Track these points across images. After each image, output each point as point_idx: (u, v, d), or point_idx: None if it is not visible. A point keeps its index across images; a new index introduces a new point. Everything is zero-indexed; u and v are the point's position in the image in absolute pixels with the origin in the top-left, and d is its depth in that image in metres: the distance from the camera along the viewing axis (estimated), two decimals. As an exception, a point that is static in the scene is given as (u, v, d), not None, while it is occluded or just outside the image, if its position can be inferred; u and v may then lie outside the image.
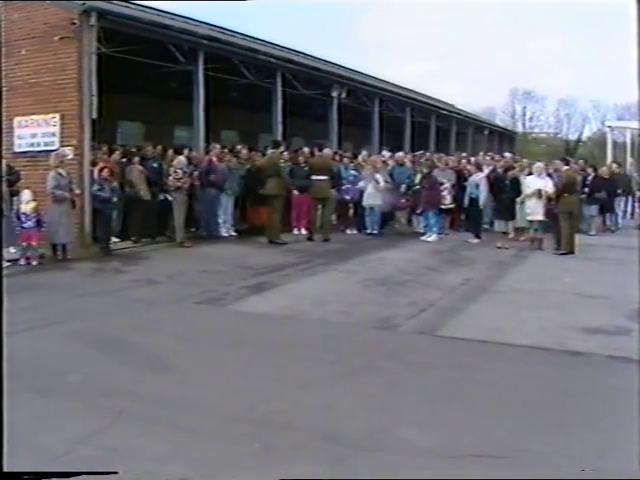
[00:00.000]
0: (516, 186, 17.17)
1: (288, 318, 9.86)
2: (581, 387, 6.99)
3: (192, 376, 7.14)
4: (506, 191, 17.29)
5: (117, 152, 17.30)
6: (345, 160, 20.85)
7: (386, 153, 22.59)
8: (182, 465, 5.05)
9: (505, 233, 17.29)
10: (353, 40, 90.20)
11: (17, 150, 16.81)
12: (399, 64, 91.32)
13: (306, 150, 20.63)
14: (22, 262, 13.66)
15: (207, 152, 18.67)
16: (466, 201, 18.67)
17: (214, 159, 18.10)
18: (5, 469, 4.67)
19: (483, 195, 18.18)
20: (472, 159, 23.46)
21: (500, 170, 18.28)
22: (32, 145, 16.69)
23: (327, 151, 20.71)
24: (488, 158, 22.42)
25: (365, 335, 9.01)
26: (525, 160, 22.47)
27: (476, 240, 18.07)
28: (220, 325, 9.49)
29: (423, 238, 18.60)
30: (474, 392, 6.75)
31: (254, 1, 39.50)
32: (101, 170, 15.54)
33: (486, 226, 18.83)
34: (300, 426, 5.80)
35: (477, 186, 18.34)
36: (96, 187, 15.43)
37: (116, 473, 4.64)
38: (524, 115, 75.97)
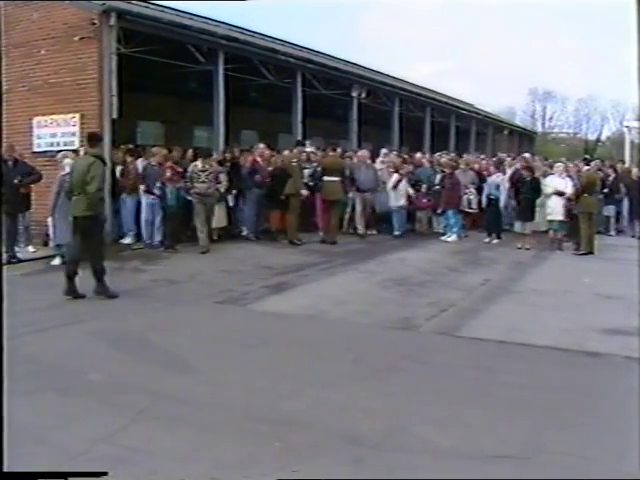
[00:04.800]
0: (536, 187, 17.11)
1: (308, 318, 9.87)
2: (600, 388, 6.97)
3: (212, 375, 7.15)
4: (526, 192, 17.22)
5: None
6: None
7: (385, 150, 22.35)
8: (202, 464, 5.06)
9: (525, 234, 17.19)
10: (357, 39, 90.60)
11: (36, 150, 16.91)
12: (407, 63, 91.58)
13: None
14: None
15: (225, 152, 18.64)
16: (484, 202, 18.61)
17: (258, 159, 17.97)
18: (5, 469, 4.68)
19: (504, 196, 18.13)
20: (494, 159, 23.37)
21: (523, 171, 18.15)
22: (52, 145, 16.77)
23: (363, 152, 20.43)
24: (509, 159, 22.24)
25: (385, 335, 9.00)
26: (540, 162, 22.33)
27: (496, 240, 18.02)
28: (240, 325, 9.49)
29: (443, 238, 18.56)
30: (494, 392, 6.73)
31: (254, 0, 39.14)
32: (165, 170, 15.84)
33: (506, 227, 18.73)
34: (320, 426, 5.80)
35: (497, 187, 18.30)
36: (158, 187, 15.74)
37: (106, 474, 4.63)
38: (544, 115, 75.85)
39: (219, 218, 17.07)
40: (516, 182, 17.79)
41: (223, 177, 16.87)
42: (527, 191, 17.17)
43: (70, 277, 10.65)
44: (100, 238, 11.36)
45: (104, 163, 11.13)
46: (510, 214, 18.34)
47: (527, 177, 17.43)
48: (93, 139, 11.41)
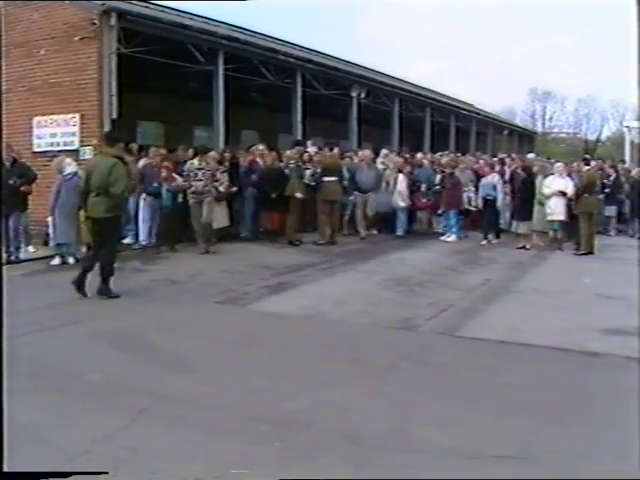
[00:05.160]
0: (533, 187, 17.09)
1: (308, 318, 9.85)
2: (600, 388, 6.95)
3: (212, 375, 7.14)
4: (521, 191, 17.20)
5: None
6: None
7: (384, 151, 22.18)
8: (202, 464, 5.05)
9: (526, 235, 17.17)
10: (357, 39, 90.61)
11: (36, 150, 16.92)
12: (406, 63, 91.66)
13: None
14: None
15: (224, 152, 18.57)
16: (480, 202, 18.56)
17: (258, 159, 17.93)
18: (5, 469, 4.68)
19: (500, 196, 18.12)
20: (494, 159, 23.29)
21: (520, 170, 18.14)
22: (52, 145, 16.78)
23: (368, 152, 20.25)
24: (509, 159, 22.19)
25: (385, 335, 8.98)
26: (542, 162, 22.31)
27: (495, 241, 18.00)
28: (240, 325, 9.48)
29: (443, 238, 18.56)
30: (494, 393, 6.72)
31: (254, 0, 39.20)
32: (161, 170, 15.86)
33: (504, 227, 18.70)
34: (320, 426, 5.79)
35: (494, 187, 18.25)
36: (154, 186, 15.73)
37: (106, 474, 4.64)
38: (544, 115, 75.90)
39: (220, 219, 17.00)
40: (514, 182, 17.81)
41: (222, 175, 16.77)
42: (522, 190, 17.17)
43: (85, 271, 10.68)
44: (117, 239, 11.41)
45: (125, 163, 11.09)
46: (506, 214, 18.37)
47: (522, 176, 17.43)
48: (111, 139, 11.40)
